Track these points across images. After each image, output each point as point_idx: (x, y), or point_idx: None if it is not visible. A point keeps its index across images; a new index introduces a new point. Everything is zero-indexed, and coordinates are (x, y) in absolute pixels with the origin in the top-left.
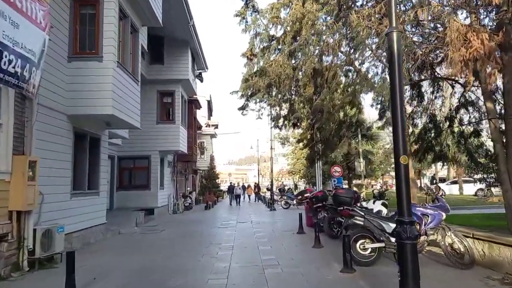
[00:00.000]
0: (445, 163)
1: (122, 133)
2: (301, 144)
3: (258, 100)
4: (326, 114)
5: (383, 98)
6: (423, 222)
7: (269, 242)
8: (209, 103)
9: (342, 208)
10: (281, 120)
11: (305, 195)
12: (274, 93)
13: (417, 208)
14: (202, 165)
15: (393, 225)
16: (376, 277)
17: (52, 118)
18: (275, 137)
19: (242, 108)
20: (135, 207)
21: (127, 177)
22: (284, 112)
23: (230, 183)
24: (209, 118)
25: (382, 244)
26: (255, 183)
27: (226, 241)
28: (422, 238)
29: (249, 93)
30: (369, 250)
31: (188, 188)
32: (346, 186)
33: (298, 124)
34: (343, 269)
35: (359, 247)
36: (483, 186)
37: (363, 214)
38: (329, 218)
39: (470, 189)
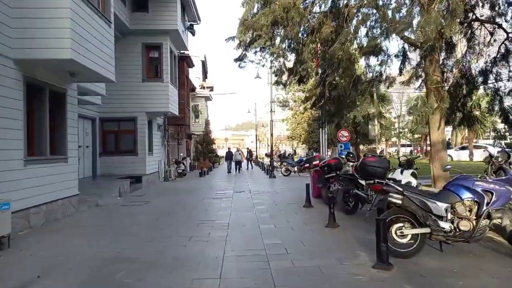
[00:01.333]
0: (473, 125)
1: (97, 88)
2: (301, 107)
3: (258, 48)
4: (345, 62)
5: (425, 39)
6: (485, 201)
7: (272, 218)
8: (204, 63)
9: (372, 181)
10: (285, 76)
11: (314, 162)
12: (278, 40)
13: (476, 183)
14: (196, 129)
15: (442, 205)
16: (424, 278)
17: None
18: (274, 101)
19: (239, 59)
20: (121, 175)
21: (111, 141)
22: (289, 64)
23: (228, 148)
24: (204, 80)
25: (428, 230)
26: (248, 148)
27: (221, 216)
28: (484, 222)
29: (248, 40)
30: (409, 237)
31: (181, 154)
32: (353, 153)
33: (305, 79)
34: (376, 263)
35: (395, 233)
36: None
37: (401, 189)
38: (343, 190)
39: (480, 156)
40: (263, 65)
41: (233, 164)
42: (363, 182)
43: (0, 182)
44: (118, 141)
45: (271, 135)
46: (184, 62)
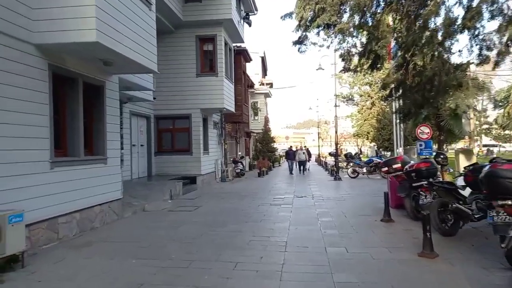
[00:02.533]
0: None
1: (142, 82)
2: (368, 102)
3: (322, 26)
4: (444, 32)
5: None
6: None
7: (342, 237)
8: (263, 60)
9: (510, 201)
10: (354, 61)
11: (394, 166)
12: (347, 13)
13: None
14: (256, 127)
15: None
16: None
17: (9, 49)
18: (338, 95)
19: (299, 41)
20: (176, 175)
21: (167, 140)
22: (361, 43)
23: (290, 147)
24: (263, 77)
25: None
26: (305, 147)
27: (278, 231)
28: None
29: (309, 17)
30: None
31: (240, 153)
32: (445, 154)
33: (379, 63)
34: None
35: None
36: None
37: None
38: (438, 204)
39: None
40: (327, 47)
41: (294, 164)
42: (465, 192)
43: (22, 188)
44: (173, 139)
45: (336, 132)
46: (241, 56)
